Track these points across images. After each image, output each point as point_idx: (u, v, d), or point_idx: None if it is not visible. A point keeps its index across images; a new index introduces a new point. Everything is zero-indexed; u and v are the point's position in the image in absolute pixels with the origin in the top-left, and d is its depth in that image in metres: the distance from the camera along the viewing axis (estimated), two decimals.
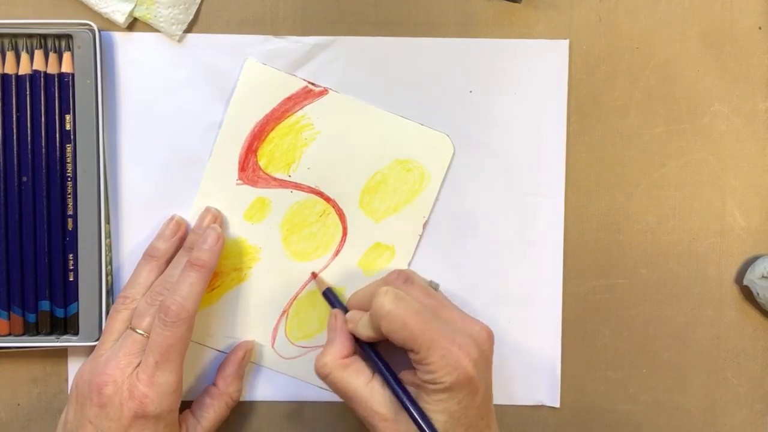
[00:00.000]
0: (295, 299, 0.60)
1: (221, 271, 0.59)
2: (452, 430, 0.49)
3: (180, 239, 0.58)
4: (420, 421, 0.49)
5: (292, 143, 0.59)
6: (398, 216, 0.59)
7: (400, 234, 0.60)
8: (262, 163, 0.59)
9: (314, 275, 0.59)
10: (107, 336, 0.55)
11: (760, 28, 0.59)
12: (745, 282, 0.59)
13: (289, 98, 0.59)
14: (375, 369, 0.53)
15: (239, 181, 0.59)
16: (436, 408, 0.49)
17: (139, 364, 0.52)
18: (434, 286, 0.57)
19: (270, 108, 0.59)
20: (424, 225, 0.59)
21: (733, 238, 0.60)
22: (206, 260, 0.55)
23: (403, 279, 0.55)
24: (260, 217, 0.59)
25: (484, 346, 0.52)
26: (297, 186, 0.59)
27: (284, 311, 0.60)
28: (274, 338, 0.60)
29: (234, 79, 0.58)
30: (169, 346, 0.52)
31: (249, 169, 0.59)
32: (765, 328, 0.60)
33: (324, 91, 0.59)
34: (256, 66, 0.58)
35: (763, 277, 0.58)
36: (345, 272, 0.60)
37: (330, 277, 0.60)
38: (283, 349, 0.60)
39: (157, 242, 0.57)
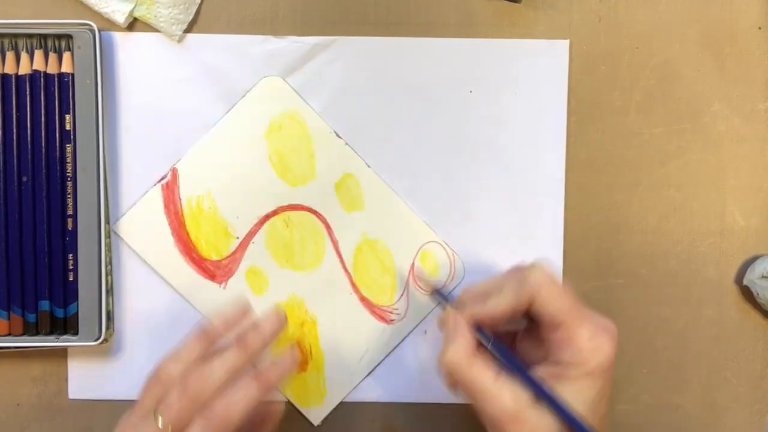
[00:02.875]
0: None
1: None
2: (588, 421, 0.47)
3: (240, 327, 0.55)
4: (561, 406, 0.47)
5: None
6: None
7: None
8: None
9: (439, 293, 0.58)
10: (139, 410, 0.51)
11: (760, 28, 0.59)
12: (745, 282, 0.59)
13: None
14: (502, 364, 0.50)
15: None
16: (574, 398, 0.47)
17: None
18: None
19: None
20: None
21: (733, 238, 0.60)
22: (274, 383, 0.52)
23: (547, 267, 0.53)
24: (262, 287, 0.60)
25: (616, 340, 0.49)
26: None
27: None
28: None
29: (234, 79, 0.59)
30: None
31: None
32: (765, 328, 0.60)
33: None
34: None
35: (763, 277, 0.58)
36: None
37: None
38: None
39: (216, 323, 0.54)
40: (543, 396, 0.47)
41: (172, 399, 0.49)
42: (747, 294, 0.60)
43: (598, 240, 0.60)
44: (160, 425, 0.49)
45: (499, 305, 0.50)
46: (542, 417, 0.47)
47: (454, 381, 0.50)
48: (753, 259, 0.60)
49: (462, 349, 0.49)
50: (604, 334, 0.48)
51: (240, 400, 0.50)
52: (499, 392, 0.48)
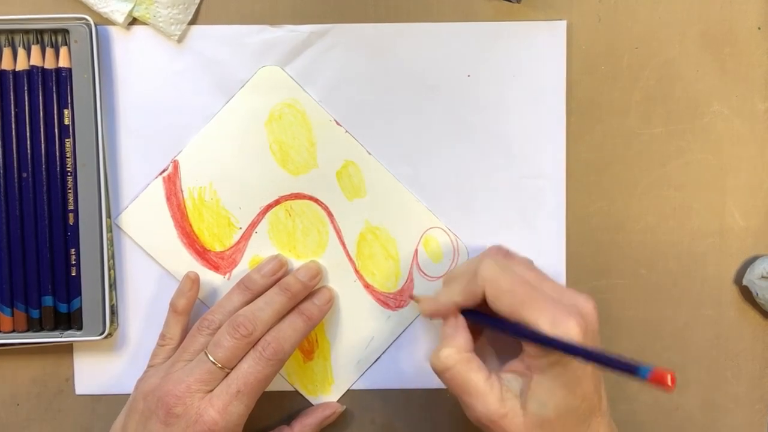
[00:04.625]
0: None
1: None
2: (571, 402, 0.48)
3: (278, 278, 0.57)
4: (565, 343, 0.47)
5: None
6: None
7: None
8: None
9: (412, 298, 0.60)
10: (182, 355, 0.54)
11: (759, 28, 0.59)
12: (745, 282, 0.59)
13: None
14: (492, 325, 0.51)
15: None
16: (550, 385, 0.48)
17: (208, 391, 0.52)
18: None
19: None
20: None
21: (732, 238, 0.60)
22: (315, 315, 0.56)
23: (503, 253, 0.55)
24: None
25: (590, 317, 0.49)
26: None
27: None
28: None
29: (232, 70, 0.59)
30: (257, 381, 0.52)
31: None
32: (765, 328, 0.61)
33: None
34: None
35: (762, 277, 0.58)
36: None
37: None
38: None
39: (257, 276, 0.57)
40: (540, 343, 0.48)
41: (223, 338, 0.53)
42: (746, 294, 0.60)
43: (598, 240, 0.60)
44: (212, 363, 0.52)
45: (445, 301, 0.52)
46: (527, 414, 0.48)
47: (446, 377, 0.51)
48: (752, 259, 0.60)
49: (461, 347, 0.51)
50: (568, 318, 0.47)
51: (290, 332, 0.54)
52: (490, 391, 0.49)
